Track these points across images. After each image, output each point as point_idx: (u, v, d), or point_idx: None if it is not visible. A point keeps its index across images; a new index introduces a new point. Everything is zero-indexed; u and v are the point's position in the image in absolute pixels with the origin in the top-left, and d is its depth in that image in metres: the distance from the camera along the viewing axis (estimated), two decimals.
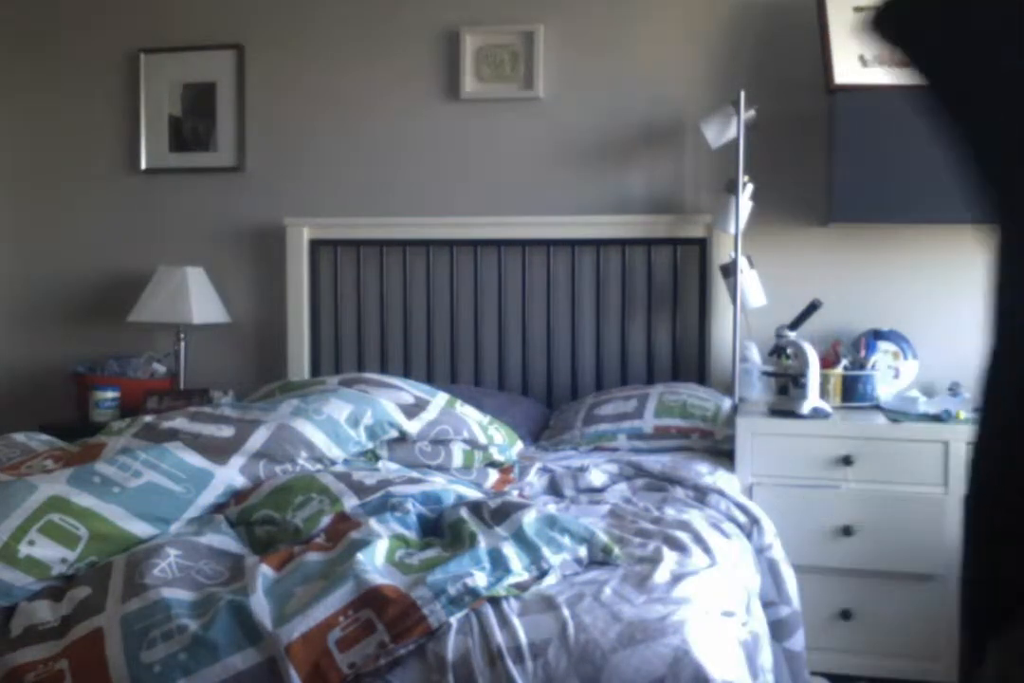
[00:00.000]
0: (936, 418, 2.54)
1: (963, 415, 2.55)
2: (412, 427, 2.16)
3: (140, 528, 1.63)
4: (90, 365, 3.31)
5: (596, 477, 2.20)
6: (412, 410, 2.21)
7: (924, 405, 2.65)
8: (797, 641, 2.09)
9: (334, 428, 2.01)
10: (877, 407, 2.75)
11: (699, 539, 1.72)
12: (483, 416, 2.37)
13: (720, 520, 1.95)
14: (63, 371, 3.41)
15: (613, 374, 3.15)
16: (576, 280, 3.16)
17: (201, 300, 3.21)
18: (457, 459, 2.17)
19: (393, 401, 2.20)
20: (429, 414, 2.23)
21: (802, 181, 3.02)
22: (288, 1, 3.36)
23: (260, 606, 1.35)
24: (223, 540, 1.63)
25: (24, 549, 1.50)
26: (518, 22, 3.19)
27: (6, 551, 1.48)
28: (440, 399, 2.33)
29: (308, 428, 1.96)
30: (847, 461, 2.49)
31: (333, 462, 1.97)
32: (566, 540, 1.57)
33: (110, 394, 3.12)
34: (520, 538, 1.54)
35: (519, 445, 2.42)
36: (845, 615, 2.51)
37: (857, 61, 2.77)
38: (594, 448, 2.64)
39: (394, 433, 2.13)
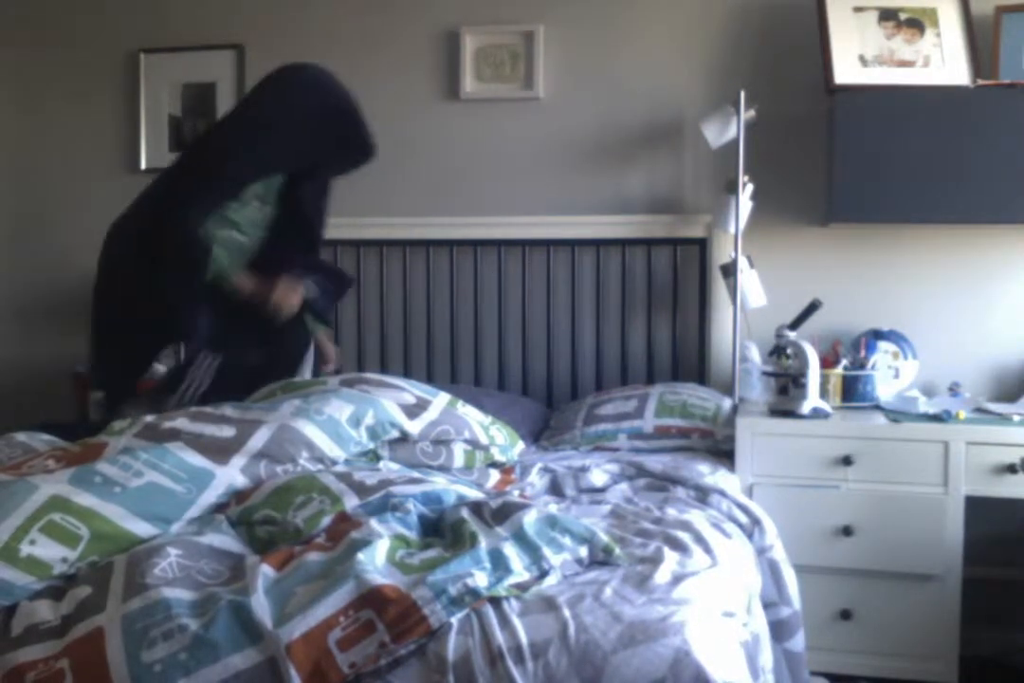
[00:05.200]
0: (936, 418, 2.54)
1: (963, 415, 2.55)
2: (413, 427, 2.15)
3: (141, 528, 1.63)
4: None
5: (597, 477, 2.20)
6: (414, 410, 2.20)
7: (924, 405, 2.65)
8: (797, 642, 2.09)
9: (335, 428, 2.00)
10: (877, 407, 2.75)
11: (700, 539, 1.72)
12: (484, 416, 2.36)
13: (721, 520, 1.95)
14: (63, 371, 3.40)
15: (613, 374, 3.15)
16: (576, 280, 3.16)
17: None
18: (459, 459, 2.17)
19: (395, 401, 2.20)
20: (430, 414, 2.22)
21: (802, 181, 3.02)
22: (288, 1, 3.36)
23: (260, 606, 1.35)
24: (224, 540, 1.62)
25: (25, 548, 1.49)
26: (518, 22, 3.19)
27: (7, 550, 1.48)
28: (441, 399, 2.33)
29: (309, 428, 1.96)
30: (847, 461, 2.49)
31: (334, 462, 1.96)
32: (567, 540, 1.57)
33: None
34: (521, 538, 1.54)
35: (520, 445, 2.41)
36: (845, 615, 2.51)
37: (857, 61, 2.77)
38: (594, 448, 2.64)
39: (395, 433, 2.13)
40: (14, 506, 1.56)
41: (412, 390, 2.32)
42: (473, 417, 2.30)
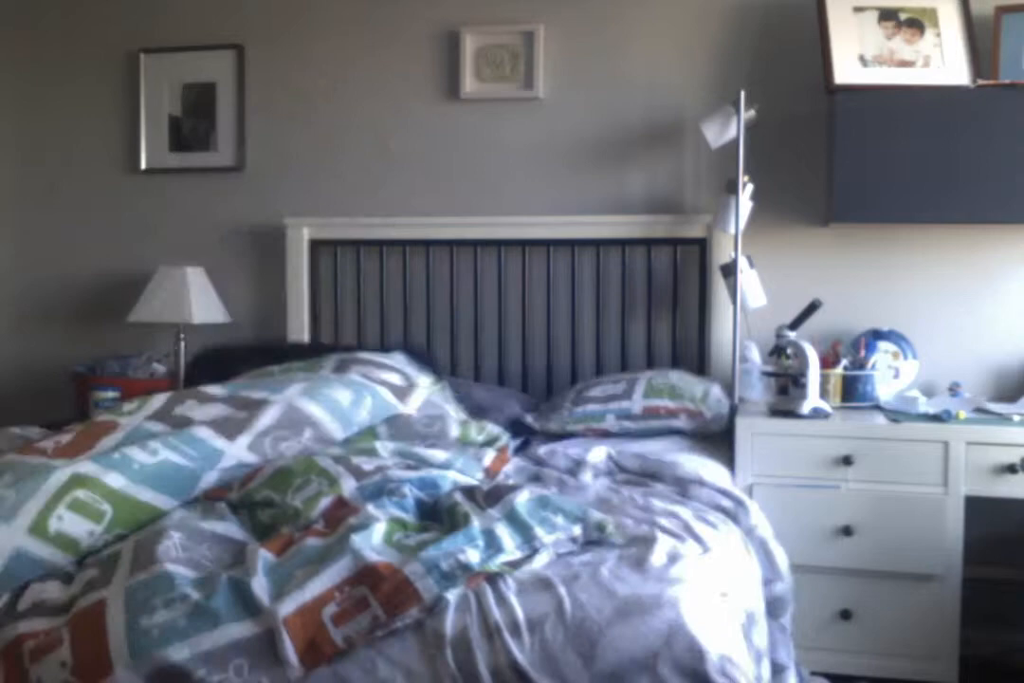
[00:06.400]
0: (936, 418, 2.54)
1: (963, 415, 2.55)
2: (409, 409, 2.22)
3: (160, 500, 1.71)
4: (90, 365, 3.30)
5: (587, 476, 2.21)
6: (403, 391, 2.27)
7: (924, 405, 2.65)
8: (788, 618, 2.09)
9: (338, 408, 2.07)
10: (877, 407, 2.75)
11: (688, 528, 1.72)
12: (462, 415, 2.40)
13: (705, 511, 1.94)
14: (63, 371, 3.41)
15: (613, 374, 3.14)
16: (576, 280, 3.16)
17: (201, 300, 3.21)
18: (454, 430, 2.19)
19: (386, 385, 2.26)
20: (416, 401, 2.28)
21: (802, 181, 3.02)
22: (288, 1, 3.37)
23: (260, 586, 1.37)
24: (226, 527, 1.66)
25: (54, 525, 1.55)
26: (518, 22, 3.19)
27: (38, 527, 1.54)
28: (424, 382, 2.37)
29: (314, 407, 2.04)
30: (847, 461, 2.49)
31: (334, 440, 2.02)
32: (559, 519, 1.58)
33: (110, 394, 3.12)
34: (513, 518, 1.56)
35: (503, 438, 2.41)
36: (845, 615, 2.50)
37: (857, 61, 2.77)
38: (585, 429, 2.62)
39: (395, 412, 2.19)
40: (36, 486, 1.61)
41: (401, 368, 2.39)
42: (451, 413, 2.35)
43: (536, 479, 2.15)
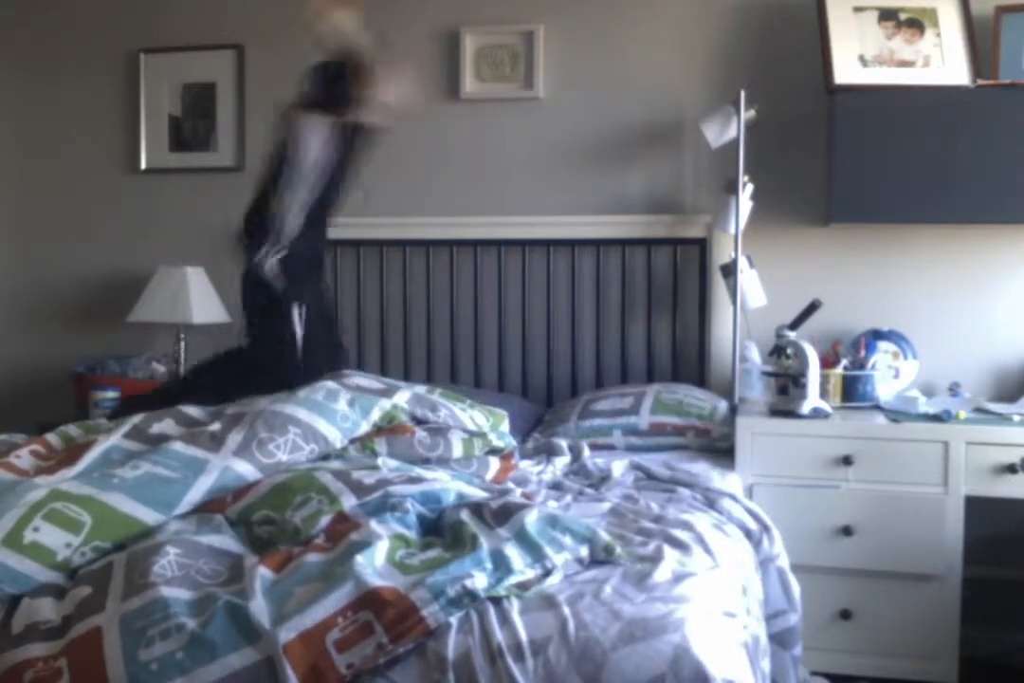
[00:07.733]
0: (936, 418, 2.54)
1: (963, 415, 2.55)
2: (399, 399, 2.18)
3: (143, 512, 1.65)
4: (90, 365, 3.30)
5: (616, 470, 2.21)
6: (388, 391, 2.24)
7: (924, 405, 2.65)
8: (800, 647, 2.09)
9: (318, 406, 2.02)
10: (877, 407, 2.75)
11: (700, 540, 1.71)
12: (463, 402, 2.36)
13: (723, 522, 1.93)
14: (63, 371, 3.41)
15: (613, 374, 3.15)
16: (576, 280, 3.16)
17: (201, 300, 3.21)
18: (457, 449, 2.13)
19: (367, 391, 2.23)
20: (403, 395, 2.24)
21: (802, 181, 3.02)
22: (288, 1, 3.36)
23: (259, 609, 1.35)
24: (223, 540, 1.62)
25: (29, 535, 1.52)
26: (518, 22, 3.19)
27: (11, 538, 1.50)
28: (409, 387, 2.34)
29: (292, 408, 1.98)
30: (847, 461, 2.49)
31: (327, 440, 1.96)
32: (568, 540, 1.56)
33: (110, 394, 3.12)
34: (522, 538, 1.54)
35: (505, 423, 2.39)
36: (845, 615, 2.51)
37: (857, 61, 2.77)
38: (589, 444, 2.62)
39: (386, 405, 2.13)
40: (15, 501, 1.58)
41: (378, 379, 2.37)
42: (447, 400, 2.32)
43: (557, 487, 2.14)
